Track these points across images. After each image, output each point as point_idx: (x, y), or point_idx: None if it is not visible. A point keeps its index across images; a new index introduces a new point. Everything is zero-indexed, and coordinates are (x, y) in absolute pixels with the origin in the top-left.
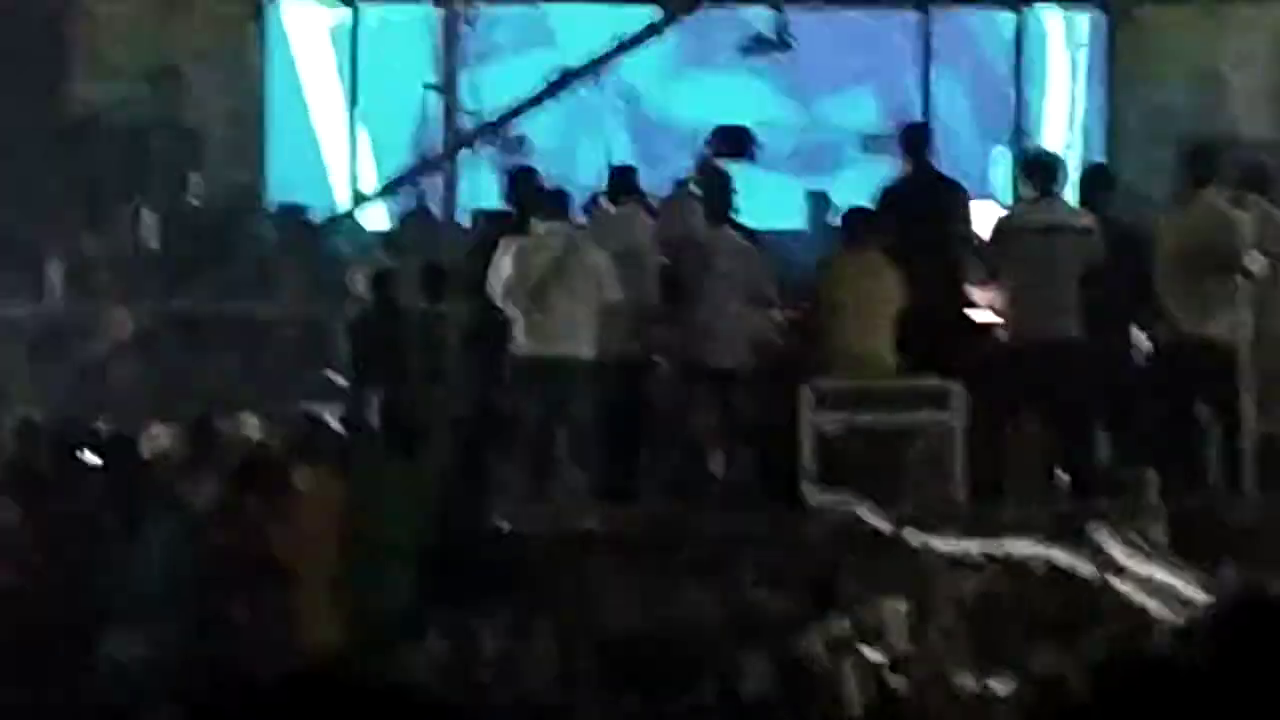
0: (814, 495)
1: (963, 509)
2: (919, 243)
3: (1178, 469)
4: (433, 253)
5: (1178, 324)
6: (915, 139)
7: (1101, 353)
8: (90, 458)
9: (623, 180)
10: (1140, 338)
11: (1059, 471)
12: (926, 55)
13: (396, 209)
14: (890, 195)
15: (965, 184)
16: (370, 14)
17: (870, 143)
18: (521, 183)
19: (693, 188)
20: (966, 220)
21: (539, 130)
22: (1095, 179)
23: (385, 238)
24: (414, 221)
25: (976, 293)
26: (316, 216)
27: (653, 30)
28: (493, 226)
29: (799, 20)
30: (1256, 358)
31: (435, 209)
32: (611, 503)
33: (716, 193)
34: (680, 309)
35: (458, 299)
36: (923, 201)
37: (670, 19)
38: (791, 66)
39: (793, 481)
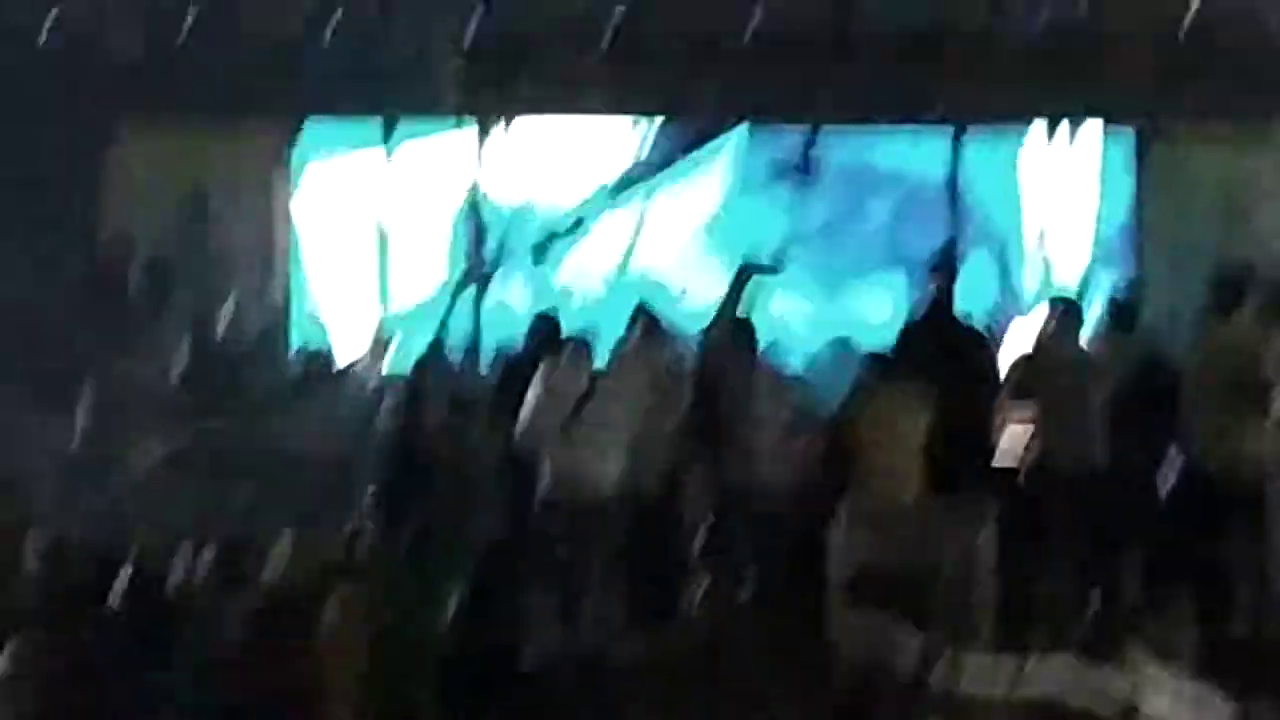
0: (844, 623)
1: (993, 633)
2: (942, 375)
3: (1208, 597)
4: (461, 386)
5: (1207, 450)
6: (938, 273)
7: (1130, 479)
8: (121, 584)
9: (648, 316)
10: (1170, 464)
11: (1090, 597)
12: (954, 179)
13: (427, 339)
14: (912, 329)
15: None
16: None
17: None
18: (543, 325)
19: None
20: (988, 352)
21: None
22: (1121, 306)
23: (414, 368)
24: (444, 352)
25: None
26: (345, 345)
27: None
28: (519, 362)
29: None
30: None
31: (467, 339)
32: (642, 633)
33: (745, 326)
34: (709, 443)
35: (486, 434)
36: (944, 336)
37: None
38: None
39: (823, 605)
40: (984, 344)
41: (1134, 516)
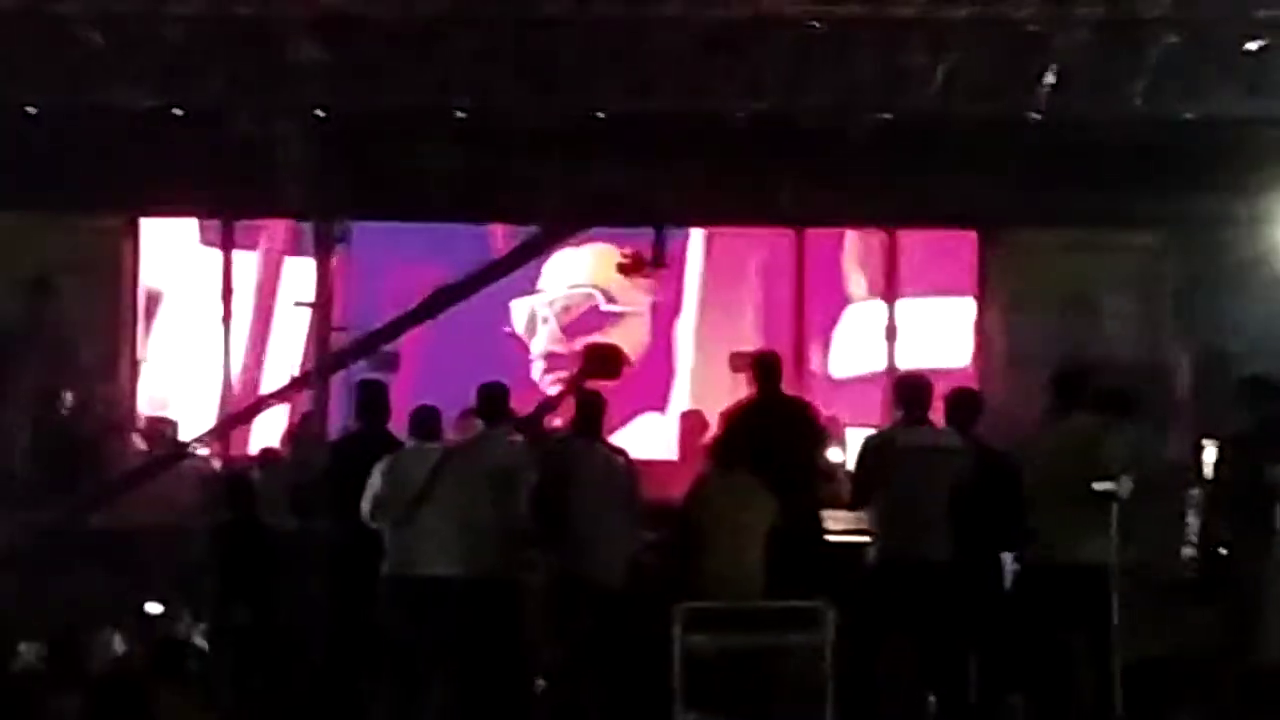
0: (685, 717)
1: None
2: (775, 466)
3: (1048, 694)
4: (302, 470)
5: (1048, 546)
6: (766, 365)
7: (971, 574)
8: None
9: (493, 399)
10: (1008, 560)
11: (929, 695)
12: (799, 274)
13: (268, 425)
14: (740, 418)
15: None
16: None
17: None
18: (372, 396)
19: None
20: (820, 442)
21: (413, 347)
22: (961, 402)
23: (257, 454)
24: (284, 438)
25: (839, 515)
26: (187, 431)
27: (532, 251)
28: (356, 443)
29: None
30: (1126, 582)
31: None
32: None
33: (588, 411)
34: (553, 527)
35: (325, 517)
36: (772, 423)
37: (551, 239)
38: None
39: (664, 703)
40: (817, 428)
41: (976, 611)
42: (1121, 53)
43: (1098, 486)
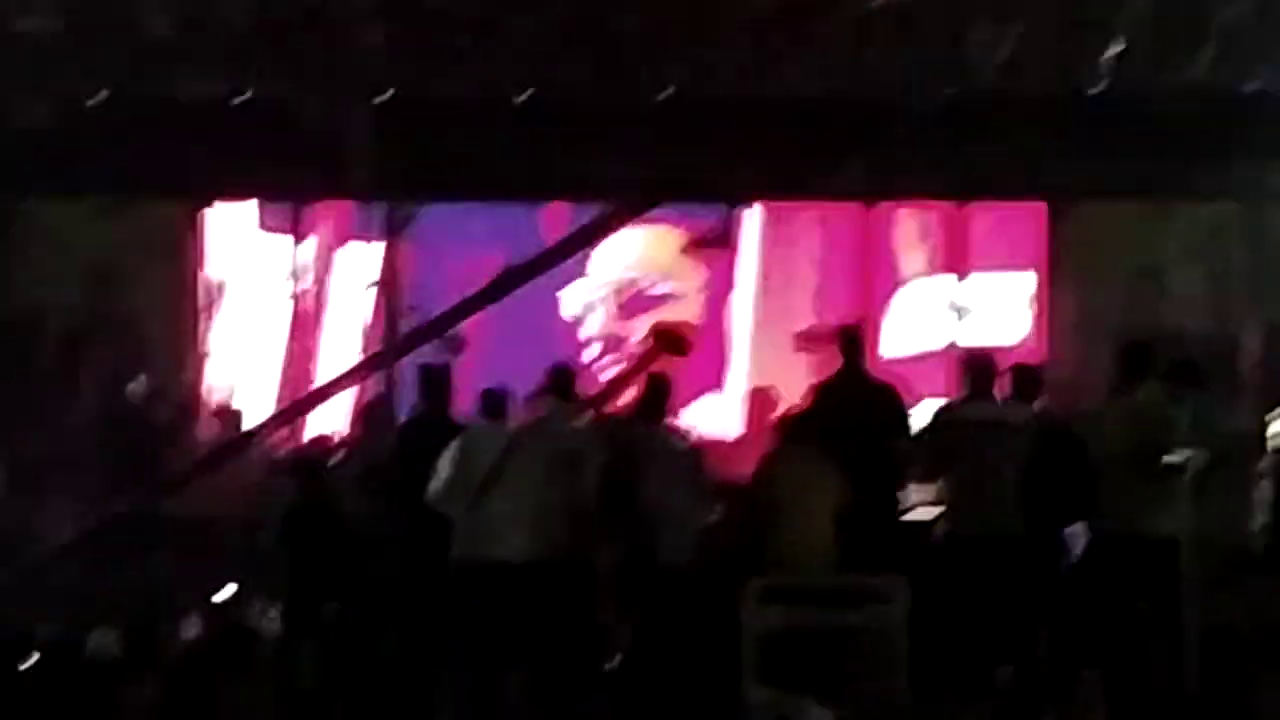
0: (757, 694)
1: (905, 706)
2: (854, 441)
3: (1120, 666)
4: (371, 454)
5: (1118, 518)
6: (849, 338)
7: (1042, 548)
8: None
9: (563, 379)
10: (1079, 532)
11: (1001, 668)
12: (865, 251)
13: (338, 409)
14: (824, 394)
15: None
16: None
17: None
18: (434, 379)
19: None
20: (900, 418)
21: (480, 329)
22: (1024, 376)
23: (326, 439)
24: (352, 422)
25: (915, 489)
26: (255, 417)
27: (596, 231)
28: (420, 426)
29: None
30: (1196, 552)
31: (376, 410)
32: (555, 706)
33: (656, 391)
34: (621, 507)
35: (394, 500)
36: (856, 400)
37: (615, 219)
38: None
39: (736, 680)
40: (897, 404)
41: (1045, 584)
42: (1187, 22)
43: (1167, 458)
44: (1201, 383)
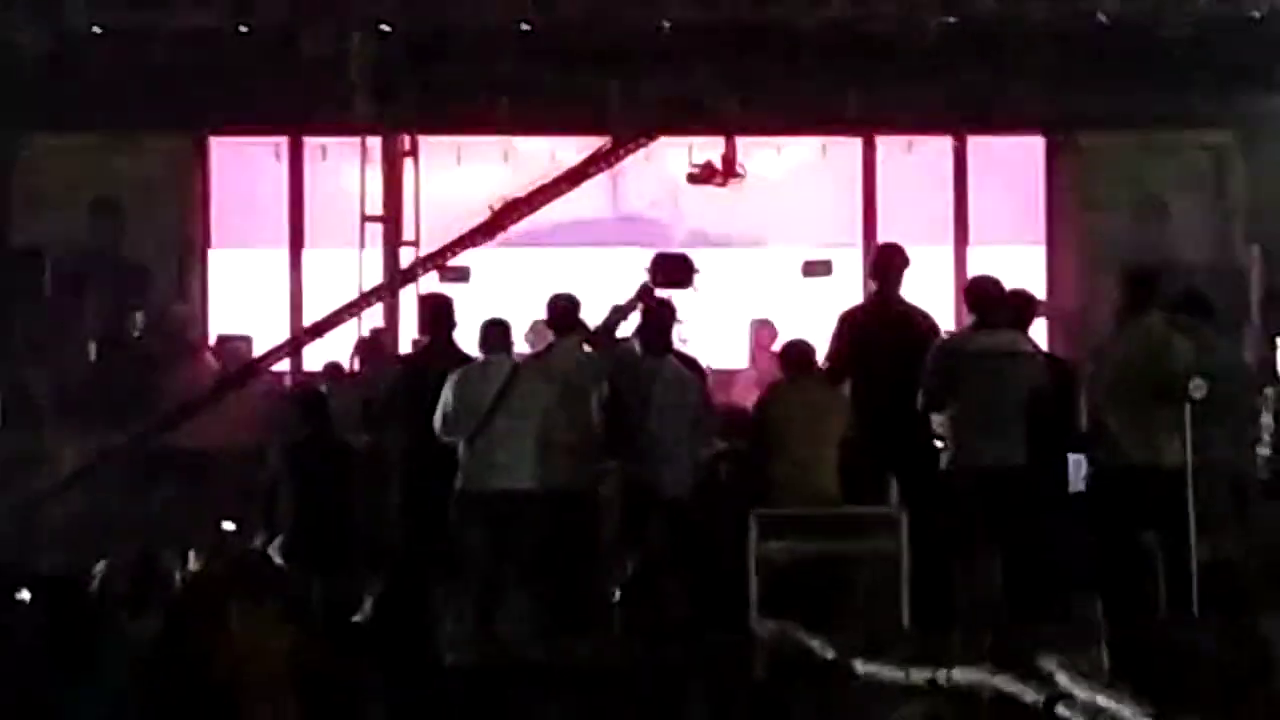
0: (761, 624)
1: (909, 637)
2: (878, 370)
3: (1123, 595)
4: (373, 385)
5: (1122, 448)
6: (883, 261)
7: (1045, 477)
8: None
9: (564, 309)
10: (1080, 462)
11: (1005, 598)
12: (870, 180)
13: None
14: (853, 320)
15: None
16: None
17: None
18: (437, 309)
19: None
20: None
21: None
22: (1018, 304)
23: (328, 370)
24: (355, 353)
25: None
26: (259, 349)
27: (601, 160)
28: (424, 357)
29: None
30: (1200, 482)
31: (378, 341)
32: (558, 635)
33: (658, 321)
34: (623, 438)
35: (397, 431)
36: (887, 329)
37: (620, 148)
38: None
39: (740, 610)
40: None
41: (1050, 513)
42: None
43: (1187, 387)
44: (1208, 313)
